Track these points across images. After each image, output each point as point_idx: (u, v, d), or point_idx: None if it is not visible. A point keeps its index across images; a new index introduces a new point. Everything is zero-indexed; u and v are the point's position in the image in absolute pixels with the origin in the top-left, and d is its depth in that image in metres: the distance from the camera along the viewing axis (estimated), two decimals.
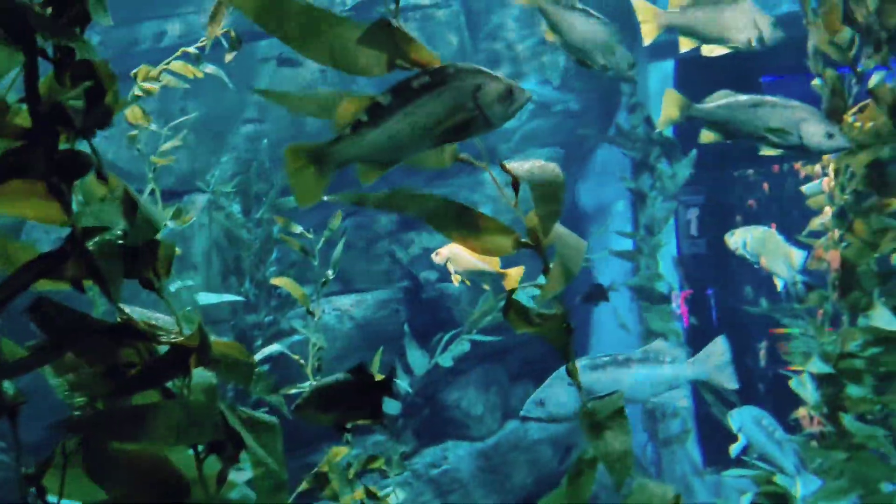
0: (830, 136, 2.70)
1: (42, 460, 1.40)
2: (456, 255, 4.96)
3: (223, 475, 1.36)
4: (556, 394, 2.77)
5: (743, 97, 2.78)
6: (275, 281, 2.75)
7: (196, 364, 1.33)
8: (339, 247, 2.88)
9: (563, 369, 2.75)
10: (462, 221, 1.59)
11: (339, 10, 7.33)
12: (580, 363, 2.79)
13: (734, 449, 4.05)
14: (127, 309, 1.47)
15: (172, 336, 1.42)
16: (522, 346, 7.19)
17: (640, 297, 7.62)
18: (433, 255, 5.12)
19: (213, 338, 1.44)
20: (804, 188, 3.52)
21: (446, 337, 6.70)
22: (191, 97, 6.56)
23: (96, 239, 1.39)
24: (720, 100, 2.79)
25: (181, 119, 4.42)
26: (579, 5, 2.75)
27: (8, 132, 1.32)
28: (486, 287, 5.37)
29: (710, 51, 2.95)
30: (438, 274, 6.82)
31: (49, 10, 1.45)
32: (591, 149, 8.53)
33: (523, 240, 1.62)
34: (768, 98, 2.79)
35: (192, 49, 3.49)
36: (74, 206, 1.35)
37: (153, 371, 1.33)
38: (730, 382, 2.96)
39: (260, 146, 6.87)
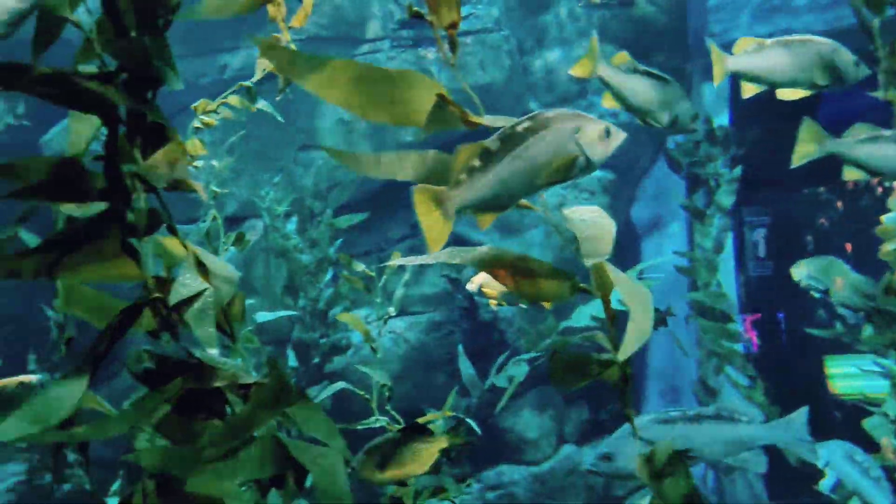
0: None
1: (123, 499, 1.47)
2: (489, 280, 5.01)
3: None
4: (625, 447, 2.67)
5: (886, 132, 2.66)
6: (340, 317, 2.81)
7: (277, 407, 1.37)
8: (401, 286, 2.93)
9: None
10: (517, 268, 1.61)
11: (389, 27, 7.44)
12: (648, 417, 2.71)
13: (825, 485, 3.85)
14: (199, 354, 1.53)
15: (246, 379, 1.47)
16: None
17: (699, 316, 7.47)
18: (467, 285, 5.20)
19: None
20: (883, 218, 3.38)
21: (500, 358, 6.70)
22: (252, 126, 6.73)
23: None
24: (861, 133, 2.67)
25: (233, 138, 4.54)
26: (641, 67, 2.71)
27: (88, 195, 1.40)
28: (523, 305, 5.44)
29: (785, 94, 2.80)
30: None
31: (123, 75, 1.54)
32: (644, 170, 8.45)
33: (582, 284, 1.62)
34: None
35: (248, 83, 3.62)
36: (149, 262, 1.41)
37: (245, 421, 1.37)
38: (810, 457, 2.82)
39: (314, 171, 7.02)
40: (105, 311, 1.57)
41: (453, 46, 1.54)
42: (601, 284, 1.54)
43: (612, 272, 1.54)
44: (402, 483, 2.02)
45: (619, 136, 1.53)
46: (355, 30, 7.43)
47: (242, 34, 7.20)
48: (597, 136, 1.50)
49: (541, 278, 1.58)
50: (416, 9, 1.57)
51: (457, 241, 1.68)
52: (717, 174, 7.52)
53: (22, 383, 2.81)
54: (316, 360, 6.45)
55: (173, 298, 1.41)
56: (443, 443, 2.10)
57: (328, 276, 6.41)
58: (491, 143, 1.48)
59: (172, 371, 1.37)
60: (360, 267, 3.06)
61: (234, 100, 3.62)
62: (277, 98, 3.60)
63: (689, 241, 8.25)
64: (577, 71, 2.65)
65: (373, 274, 3.03)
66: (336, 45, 7.37)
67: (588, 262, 1.53)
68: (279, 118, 3.80)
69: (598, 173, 7.61)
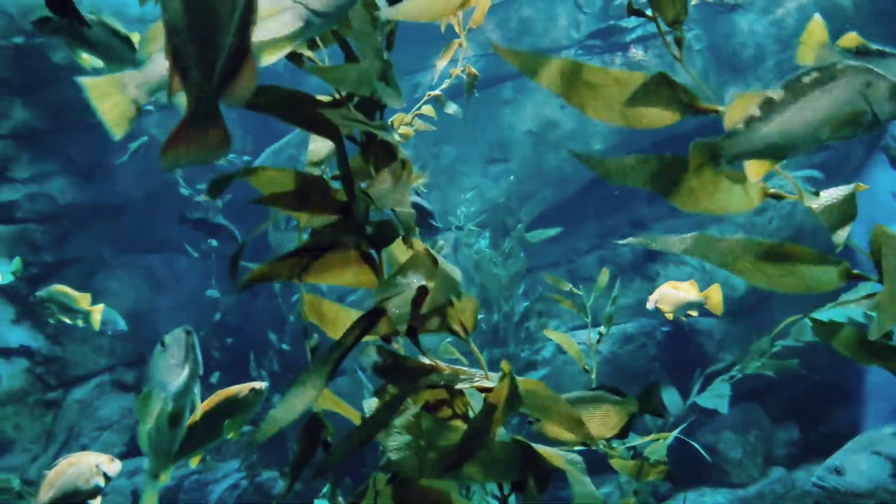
0: None
1: (357, 492, 1.55)
2: (664, 296, 5.14)
3: None
4: (858, 461, 2.41)
5: None
6: (549, 334, 2.82)
7: (508, 410, 1.39)
8: (611, 305, 2.89)
9: (869, 434, 2.47)
10: (770, 258, 1.51)
11: (573, 35, 7.41)
12: (889, 430, 2.45)
13: None
14: (428, 360, 1.59)
15: (479, 380, 1.50)
16: (786, 385, 6.63)
17: None
18: (647, 305, 5.26)
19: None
20: None
21: (697, 373, 6.38)
22: (442, 143, 6.96)
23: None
24: None
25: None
26: (873, 46, 2.45)
27: (329, 208, 1.50)
28: (694, 314, 5.37)
29: None
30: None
31: (353, 101, 1.65)
32: (856, 168, 7.74)
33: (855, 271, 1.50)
34: None
35: (437, 92, 3.81)
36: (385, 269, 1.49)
37: (481, 425, 1.40)
38: None
39: (504, 184, 7.11)
40: (339, 320, 1.68)
41: (679, 42, 1.50)
42: (877, 248, 1.41)
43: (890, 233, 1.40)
44: (586, 444, 1.95)
45: None
46: (542, 40, 7.47)
47: (432, 53, 7.47)
48: (888, 93, 1.41)
49: (802, 265, 1.47)
50: (636, 7, 1.53)
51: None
52: None
53: (253, 389, 3.08)
54: None
55: (380, 293, 1.45)
56: (633, 407, 2.00)
57: (521, 289, 6.45)
58: (774, 93, 1.43)
59: (410, 372, 1.43)
60: (567, 286, 3.07)
61: (426, 109, 3.81)
62: (465, 100, 3.74)
63: None
64: (803, 58, 2.44)
65: (580, 292, 3.01)
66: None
67: (837, 237, 1.42)
68: (464, 118, 3.95)
69: (800, 173, 7.09)
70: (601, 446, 2.62)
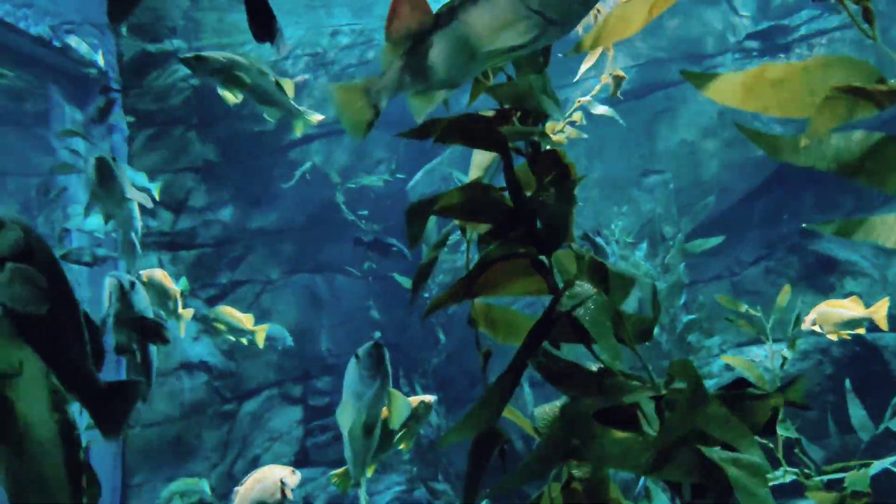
0: None
1: (532, 500, 1.54)
2: (823, 314, 4.89)
3: None
4: None
5: None
6: (726, 359, 2.72)
7: (695, 412, 1.33)
8: (794, 327, 2.74)
9: None
10: None
11: (730, 39, 7.09)
12: None
13: None
14: (595, 367, 1.56)
15: (649, 387, 1.46)
16: None
17: None
18: (802, 326, 4.98)
19: None
20: None
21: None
22: (595, 156, 6.87)
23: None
24: None
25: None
26: None
27: (497, 216, 1.52)
28: (862, 331, 5.08)
29: None
30: (868, 323, 6.03)
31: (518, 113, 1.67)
32: None
33: None
34: None
35: (587, 98, 3.83)
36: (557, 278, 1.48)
37: (671, 429, 1.36)
38: None
39: (661, 195, 6.90)
40: (511, 326, 1.69)
41: (869, 17, 1.39)
42: None
43: None
44: (728, 445, 1.81)
45: None
46: (695, 47, 7.22)
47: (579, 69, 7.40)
48: None
49: None
50: None
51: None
52: None
53: (423, 402, 3.18)
54: None
55: (564, 306, 1.45)
56: (778, 400, 1.84)
57: (681, 300, 6.21)
58: None
59: (585, 378, 1.41)
60: (742, 307, 2.95)
61: (576, 116, 3.81)
62: (610, 100, 3.70)
63: None
64: None
65: (757, 313, 2.88)
66: (675, 65, 7.21)
67: None
68: (620, 121, 3.92)
69: None
70: (795, 475, 2.45)
